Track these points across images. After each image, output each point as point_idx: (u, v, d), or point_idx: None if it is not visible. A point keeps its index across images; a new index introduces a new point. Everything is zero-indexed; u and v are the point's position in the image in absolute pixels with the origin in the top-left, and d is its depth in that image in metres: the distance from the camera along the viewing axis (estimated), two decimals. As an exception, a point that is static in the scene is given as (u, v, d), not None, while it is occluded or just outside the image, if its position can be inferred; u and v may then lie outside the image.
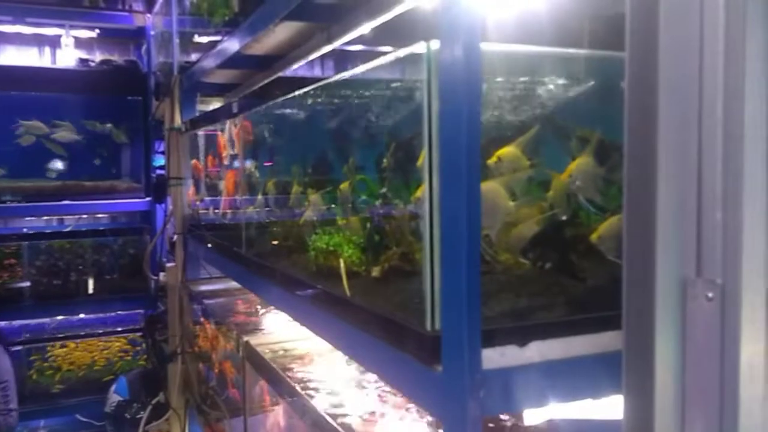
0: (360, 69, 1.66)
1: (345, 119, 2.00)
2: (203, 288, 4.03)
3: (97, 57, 5.79)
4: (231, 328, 3.11)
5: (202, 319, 3.79)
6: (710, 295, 1.03)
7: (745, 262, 0.99)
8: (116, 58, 5.79)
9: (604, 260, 1.47)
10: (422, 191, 1.30)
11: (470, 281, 1.19)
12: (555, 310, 1.39)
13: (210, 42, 3.82)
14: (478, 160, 1.21)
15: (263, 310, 3.56)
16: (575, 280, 1.43)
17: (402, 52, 1.35)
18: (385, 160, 1.53)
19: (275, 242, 2.35)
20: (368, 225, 1.66)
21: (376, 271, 1.60)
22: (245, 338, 2.78)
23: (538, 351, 1.32)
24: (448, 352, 1.24)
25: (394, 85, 1.68)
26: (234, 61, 3.19)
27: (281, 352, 2.72)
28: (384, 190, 1.54)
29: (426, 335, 1.29)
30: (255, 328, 3.08)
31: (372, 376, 2.37)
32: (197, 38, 4.04)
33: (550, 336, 1.33)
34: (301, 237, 2.18)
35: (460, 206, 1.19)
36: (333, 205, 1.98)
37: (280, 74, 3.09)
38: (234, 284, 4.03)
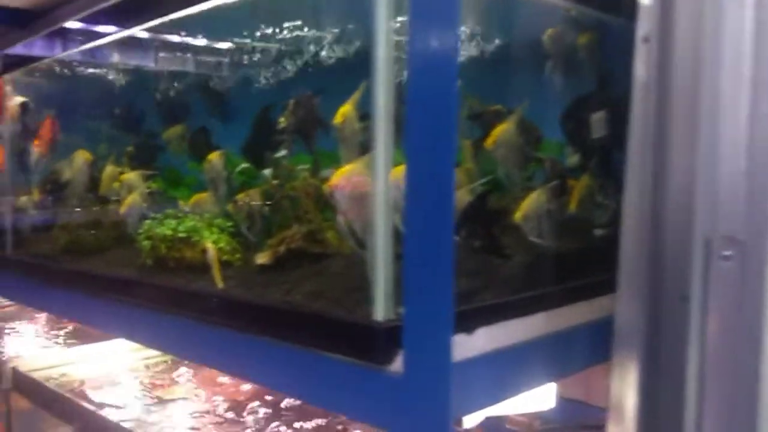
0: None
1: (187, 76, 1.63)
2: None
3: None
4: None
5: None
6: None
7: None
8: None
9: (524, 238, 1.35)
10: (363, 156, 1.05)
11: (447, 251, 0.97)
12: (493, 291, 1.23)
13: None
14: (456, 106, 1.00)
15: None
16: (503, 258, 1.29)
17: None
18: (282, 120, 1.22)
19: (70, 238, 1.84)
20: (250, 204, 1.32)
21: (263, 258, 1.28)
22: (11, 365, 2.15)
23: (487, 338, 1.14)
24: (412, 344, 0.99)
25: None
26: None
27: (62, 379, 2.17)
28: (283, 153, 1.22)
29: (376, 327, 1.03)
30: None
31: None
32: None
33: (495, 320, 1.16)
34: (117, 227, 1.73)
35: (439, 162, 0.96)
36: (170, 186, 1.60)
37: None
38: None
